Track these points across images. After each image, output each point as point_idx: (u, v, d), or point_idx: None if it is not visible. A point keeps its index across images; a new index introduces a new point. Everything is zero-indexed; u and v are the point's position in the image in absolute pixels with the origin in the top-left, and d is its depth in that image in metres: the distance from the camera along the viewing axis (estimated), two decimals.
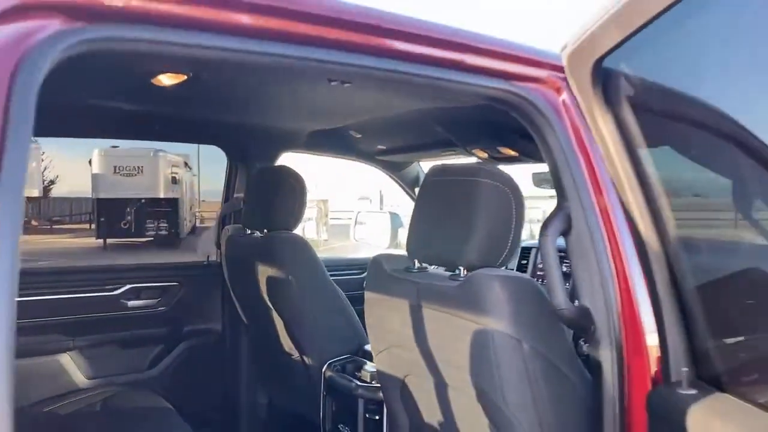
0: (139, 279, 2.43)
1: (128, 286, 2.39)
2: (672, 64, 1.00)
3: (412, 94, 1.59)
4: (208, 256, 2.60)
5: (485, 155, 2.41)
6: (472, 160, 2.51)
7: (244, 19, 0.94)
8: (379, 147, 2.71)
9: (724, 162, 1.10)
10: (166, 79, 1.57)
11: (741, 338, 0.96)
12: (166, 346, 2.48)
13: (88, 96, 1.73)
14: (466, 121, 2.10)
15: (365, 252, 3.53)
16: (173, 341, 2.49)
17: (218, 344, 2.57)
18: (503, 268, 1.37)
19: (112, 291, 2.36)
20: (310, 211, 12.86)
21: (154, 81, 1.56)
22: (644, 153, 0.96)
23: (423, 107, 1.89)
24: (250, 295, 2.28)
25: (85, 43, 0.78)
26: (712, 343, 0.97)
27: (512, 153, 2.25)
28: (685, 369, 0.98)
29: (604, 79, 0.94)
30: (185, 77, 1.54)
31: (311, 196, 13.37)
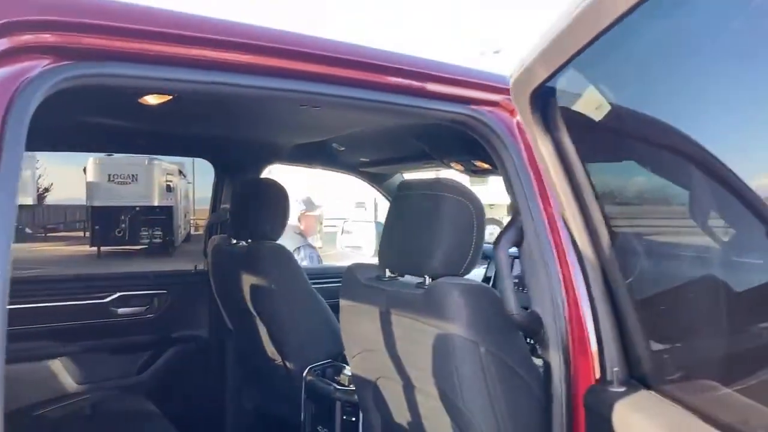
0: (128, 287, 2.51)
1: (118, 294, 2.47)
2: (607, 88, 1.11)
3: (380, 116, 1.70)
4: (195, 265, 2.69)
5: (462, 168, 2.51)
6: (453, 172, 2.62)
7: (214, 54, 1.05)
8: (362, 159, 2.82)
9: (663, 172, 1.22)
10: (152, 99, 1.67)
11: (667, 341, 1.06)
12: (155, 352, 2.56)
13: (78, 114, 1.82)
14: (442, 136, 2.20)
15: (355, 260, 3.62)
16: (161, 347, 2.57)
17: (205, 350, 2.65)
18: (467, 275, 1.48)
19: (102, 299, 2.45)
20: None
21: (140, 101, 1.66)
22: (580, 172, 1.07)
23: (400, 123, 2.00)
24: (236, 303, 2.37)
25: (72, 80, 0.88)
26: (642, 346, 1.07)
27: (486, 166, 2.35)
28: (616, 369, 1.08)
29: (542, 105, 1.04)
30: (170, 97, 1.64)
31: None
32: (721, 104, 0.95)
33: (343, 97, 1.25)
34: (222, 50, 1.07)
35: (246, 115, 2.01)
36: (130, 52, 0.94)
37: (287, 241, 2.78)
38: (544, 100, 1.03)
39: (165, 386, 2.52)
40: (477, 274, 2.84)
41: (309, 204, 4.11)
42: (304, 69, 1.18)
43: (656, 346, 1.06)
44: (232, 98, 1.45)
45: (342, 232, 3.48)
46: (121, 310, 2.48)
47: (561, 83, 0.99)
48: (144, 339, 2.55)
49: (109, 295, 2.46)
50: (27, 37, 0.84)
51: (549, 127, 1.06)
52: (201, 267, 2.67)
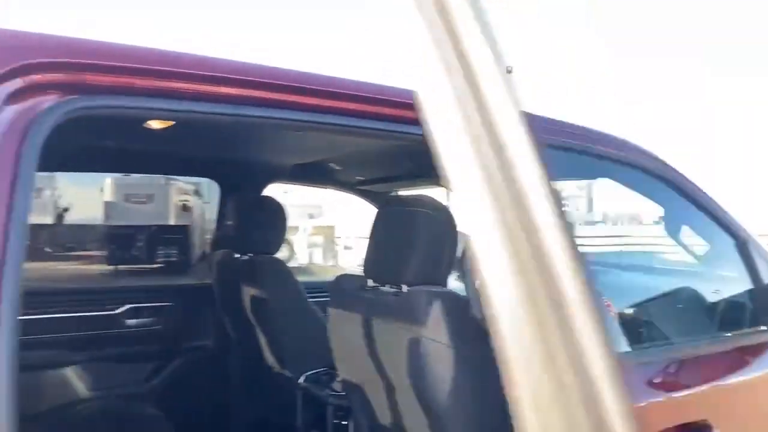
0: (138, 299, 2.66)
1: (128, 306, 2.62)
2: None
3: (369, 141, 1.84)
4: (201, 278, 2.84)
5: None
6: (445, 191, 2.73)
7: (206, 88, 1.20)
8: (358, 178, 2.96)
9: None
10: (156, 124, 1.82)
11: None
12: (162, 362, 2.70)
13: (88, 139, 1.98)
14: (430, 155, 2.33)
15: None
16: (168, 357, 2.71)
17: (209, 360, 2.79)
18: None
19: (113, 310, 2.60)
20: (317, 238, 13.09)
21: (145, 125, 1.82)
22: None
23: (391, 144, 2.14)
24: (237, 314, 2.50)
25: (78, 111, 1.02)
26: None
27: None
28: None
29: None
30: (173, 122, 1.80)
31: (318, 222, 13.58)
32: None
33: (323, 123, 1.40)
34: (214, 85, 1.23)
35: (247, 139, 2.17)
36: (126, 87, 1.10)
37: None
38: None
39: (171, 394, 2.65)
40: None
41: None
42: (291, 100, 1.33)
43: None
44: (229, 125, 1.61)
45: (342, 249, 3.59)
46: (130, 321, 2.63)
47: None
48: (152, 349, 2.68)
49: (120, 307, 2.61)
50: (38, 77, 0.99)
51: None
52: (206, 281, 2.81)
